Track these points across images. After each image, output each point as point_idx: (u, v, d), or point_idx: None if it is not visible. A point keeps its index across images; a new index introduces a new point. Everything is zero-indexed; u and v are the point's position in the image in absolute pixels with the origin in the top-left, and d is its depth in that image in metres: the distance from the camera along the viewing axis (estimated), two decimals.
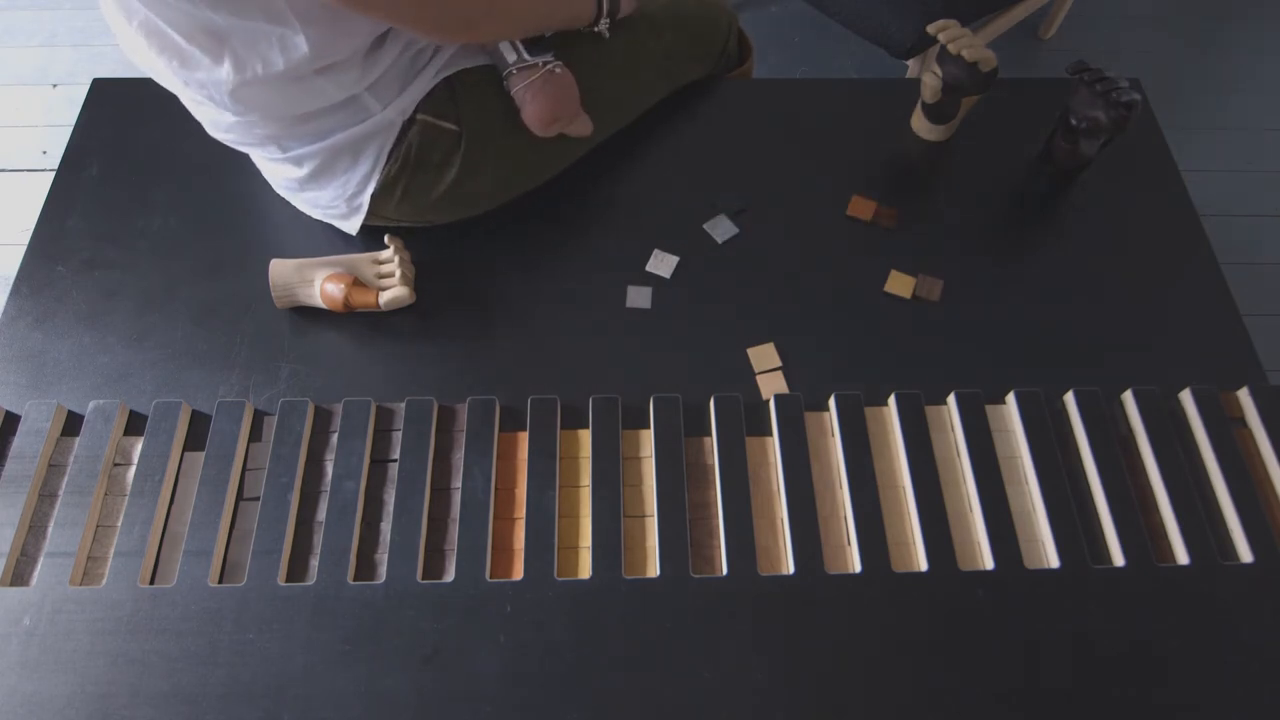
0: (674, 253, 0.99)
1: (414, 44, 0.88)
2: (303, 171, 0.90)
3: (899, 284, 0.97)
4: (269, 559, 0.76)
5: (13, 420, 0.84)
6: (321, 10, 0.76)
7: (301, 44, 0.77)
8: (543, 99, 0.92)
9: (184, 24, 0.76)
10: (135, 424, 0.85)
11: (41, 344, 0.91)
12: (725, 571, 0.77)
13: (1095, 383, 0.87)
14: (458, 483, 0.81)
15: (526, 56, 0.92)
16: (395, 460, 0.82)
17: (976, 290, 0.98)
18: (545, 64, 0.92)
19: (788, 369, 0.91)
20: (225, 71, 0.79)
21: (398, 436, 0.84)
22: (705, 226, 1.01)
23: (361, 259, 0.93)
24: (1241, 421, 0.87)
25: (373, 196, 0.92)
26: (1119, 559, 0.78)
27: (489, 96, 0.93)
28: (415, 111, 0.90)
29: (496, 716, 0.71)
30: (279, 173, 0.93)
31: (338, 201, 0.93)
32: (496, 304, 0.95)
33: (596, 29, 0.99)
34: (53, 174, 1.04)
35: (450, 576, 0.76)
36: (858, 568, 0.78)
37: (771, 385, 0.90)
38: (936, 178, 1.07)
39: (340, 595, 0.75)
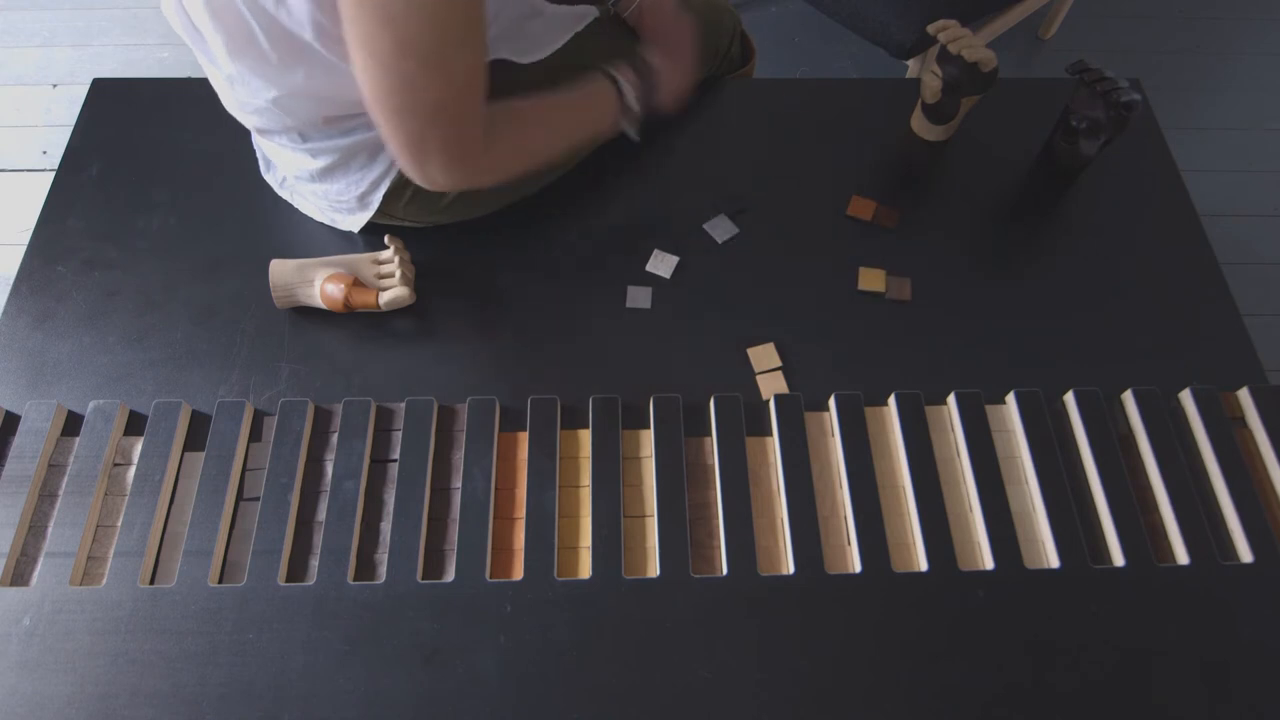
0: (674, 253, 0.99)
1: None
2: (317, 164, 0.90)
3: (871, 280, 0.97)
4: (269, 559, 0.76)
5: (13, 420, 0.84)
6: None
7: None
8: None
9: (273, 28, 0.75)
10: (135, 424, 0.85)
11: (41, 344, 0.91)
12: (725, 571, 0.77)
13: (1095, 383, 0.87)
14: (458, 483, 0.81)
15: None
16: (395, 460, 0.82)
17: (976, 290, 0.98)
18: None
19: (788, 369, 0.91)
20: (299, 77, 0.78)
21: (398, 436, 0.84)
22: (705, 226, 1.01)
23: (361, 259, 0.93)
24: (1241, 421, 0.87)
25: (384, 196, 0.92)
26: (1119, 559, 0.78)
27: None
28: None
29: (496, 716, 0.71)
30: (293, 161, 0.92)
31: (348, 195, 0.93)
32: (496, 304, 0.95)
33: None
34: (53, 174, 1.04)
35: (450, 576, 0.76)
36: (858, 568, 0.78)
37: (771, 385, 0.90)
38: (936, 178, 1.07)
39: (340, 595, 0.75)
